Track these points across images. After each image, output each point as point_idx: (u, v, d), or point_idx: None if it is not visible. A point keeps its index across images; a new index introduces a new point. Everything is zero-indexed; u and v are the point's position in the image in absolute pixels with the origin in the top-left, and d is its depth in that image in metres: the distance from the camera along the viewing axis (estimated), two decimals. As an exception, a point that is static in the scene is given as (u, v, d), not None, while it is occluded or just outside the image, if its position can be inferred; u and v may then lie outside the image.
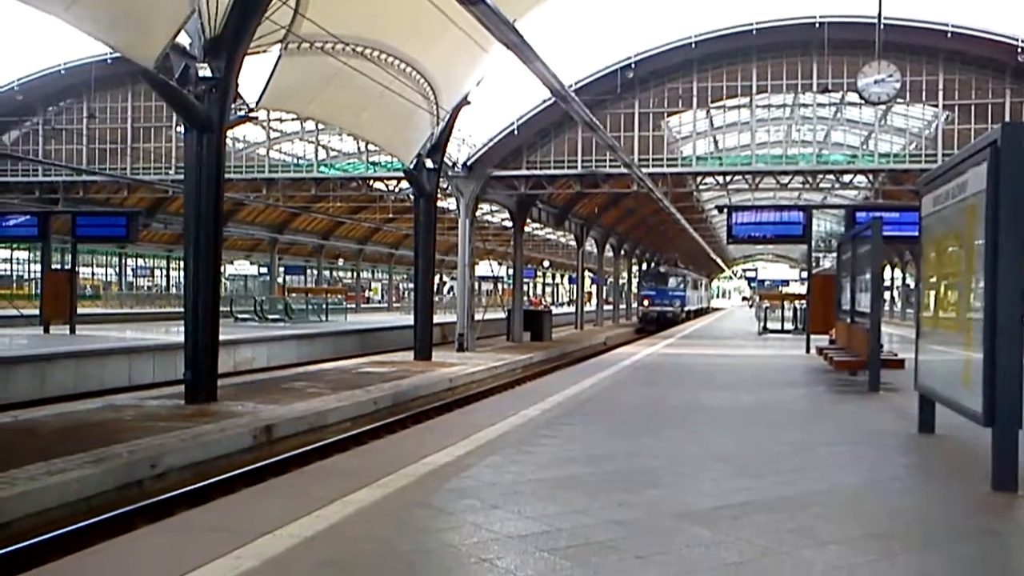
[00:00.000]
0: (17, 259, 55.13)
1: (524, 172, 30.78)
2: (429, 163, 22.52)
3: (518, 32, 12.52)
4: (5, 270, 54.98)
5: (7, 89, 37.46)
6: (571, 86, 21.66)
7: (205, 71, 13.21)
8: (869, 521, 5.46)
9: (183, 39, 13.46)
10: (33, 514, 7.56)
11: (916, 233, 9.37)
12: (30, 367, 16.90)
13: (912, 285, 54.12)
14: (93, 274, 58.49)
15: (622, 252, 55.98)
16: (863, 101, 23.38)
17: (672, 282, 51.09)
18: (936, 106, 29.38)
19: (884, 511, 5.76)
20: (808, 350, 20.36)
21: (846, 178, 34.61)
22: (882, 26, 20.29)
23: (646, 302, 49.67)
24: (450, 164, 27.37)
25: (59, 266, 29.56)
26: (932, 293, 8.38)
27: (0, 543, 7.05)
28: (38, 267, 38.76)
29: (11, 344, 19.69)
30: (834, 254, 22.54)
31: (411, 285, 45.74)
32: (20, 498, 7.48)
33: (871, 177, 34.04)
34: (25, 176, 39.01)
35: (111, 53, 30.01)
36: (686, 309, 51.72)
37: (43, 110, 38.68)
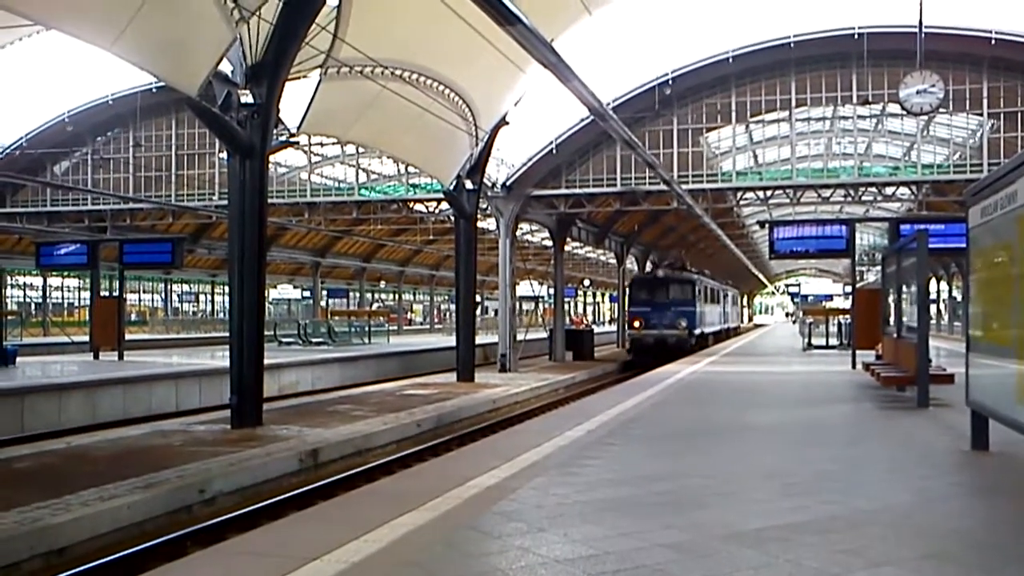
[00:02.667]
0: (68, 287, 56.17)
1: (563, 191, 30.80)
2: (469, 184, 22.63)
3: (556, 51, 12.57)
4: (57, 298, 56.04)
5: (58, 121, 38.33)
6: (609, 104, 21.67)
7: (247, 97, 13.42)
8: (924, 542, 5.35)
9: (225, 67, 13.70)
10: (87, 539, 7.67)
11: (963, 245, 9.22)
12: (82, 393, 17.19)
13: (959, 298, 53.21)
14: (140, 300, 59.42)
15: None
16: (905, 112, 23.09)
17: (675, 291, 33.95)
18: (981, 115, 28.96)
19: (939, 531, 5.64)
20: (854, 366, 20.07)
21: (889, 190, 34.14)
22: (923, 35, 20.07)
23: (636, 323, 33.04)
24: (489, 184, 27.47)
25: (107, 293, 30.07)
26: (982, 305, 8.23)
27: (56, 569, 7.16)
28: (87, 294, 39.44)
29: (63, 371, 20.05)
30: (878, 268, 22.23)
31: (452, 306, 45.80)
32: (74, 524, 7.59)
33: (914, 189, 33.55)
34: (75, 205, 39.82)
35: (156, 82, 30.63)
36: (700, 331, 34.53)
37: (92, 140, 39.51)
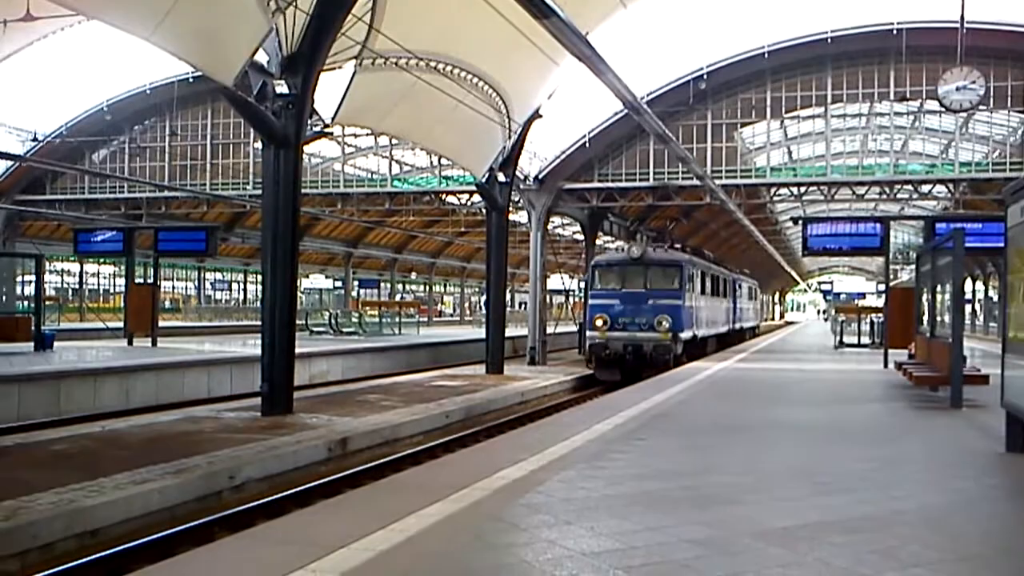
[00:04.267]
0: (104, 273, 56.91)
1: (596, 185, 30.72)
2: (501, 176, 22.63)
3: (590, 45, 12.53)
4: (93, 284, 56.79)
5: (97, 110, 38.83)
6: (643, 98, 21.56)
7: (282, 88, 13.51)
8: (957, 544, 5.28)
9: (261, 57, 13.79)
10: (119, 522, 7.78)
11: (1000, 244, 9.09)
12: (116, 379, 17.42)
13: (995, 298, 52.47)
14: (174, 288, 60.07)
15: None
16: (943, 109, 22.77)
17: (655, 278, 23.81)
18: (1023, 112, 28.50)
19: (973, 534, 5.57)
20: (886, 365, 19.87)
21: (925, 188, 33.72)
22: (965, 30, 19.78)
23: (599, 322, 23.12)
24: (522, 177, 27.45)
25: (142, 280, 30.45)
26: (1020, 306, 8.11)
27: (90, 550, 7.28)
28: (122, 281, 39.96)
29: (98, 356, 20.33)
30: (912, 266, 21.97)
31: (483, 298, 45.79)
32: (108, 506, 7.71)
33: (951, 187, 33.13)
34: (112, 193, 40.33)
35: (192, 72, 30.92)
36: (692, 334, 24.63)
37: (129, 129, 39.98)
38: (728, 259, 45.43)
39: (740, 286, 37.59)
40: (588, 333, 23.29)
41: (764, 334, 48.64)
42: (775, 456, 8.42)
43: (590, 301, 23.76)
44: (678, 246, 27.74)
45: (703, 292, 26.32)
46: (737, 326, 36.32)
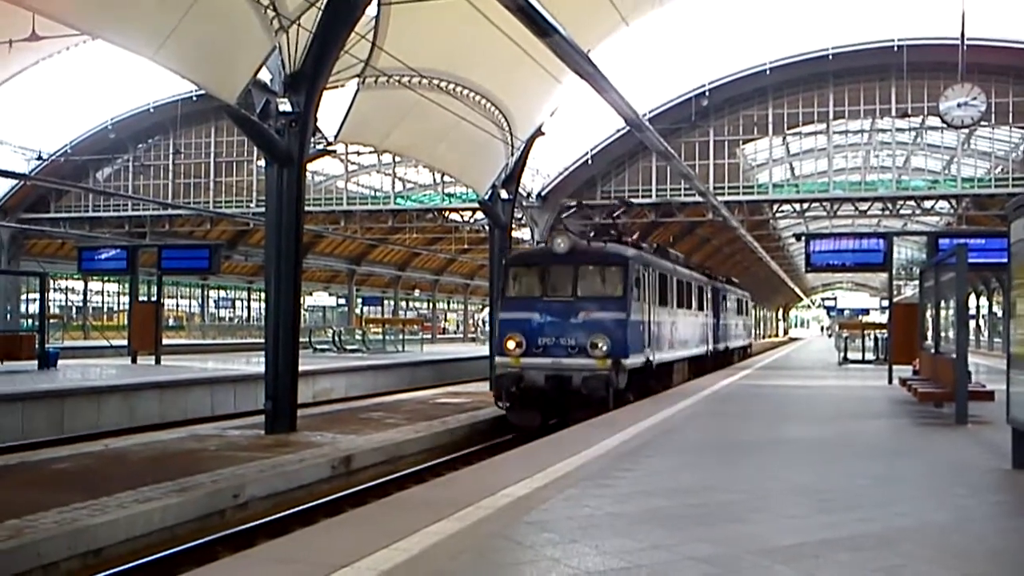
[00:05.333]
0: (108, 291, 57.01)
1: (599, 201, 30.78)
2: (504, 194, 22.68)
3: (592, 62, 12.59)
4: (97, 302, 56.88)
5: (101, 128, 39.02)
6: (645, 115, 21.67)
7: (285, 106, 13.56)
8: (963, 563, 5.24)
9: (264, 75, 13.86)
10: (122, 541, 7.76)
11: (1004, 260, 9.09)
12: (119, 397, 17.42)
13: (999, 314, 52.39)
14: (177, 305, 60.16)
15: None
16: (945, 125, 22.82)
17: (590, 281, 16.62)
18: None
19: (979, 552, 5.54)
20: (890, 381, 19.81)
21: (927, 204, 33.81)
22: (965, 47, 19.85)
23: (511, 344, 15.96)
24: (524, 194, 27.53)
25: (145, 298, 30.49)
26: None
27: (92, 569, 7.26)
28: (126, 299, 40.06)
29: (102, 374, 20.33)
30: (916, 282, 21.95)
31: (486, 315, 45.74)
32: (111, 525, 7.69)
33: (954, 203, 33.18)
34: (116, 211, 40.46)
35: (196, 90, 31.07)
36: (647, 358, 17.21)
37: (133, 147, 40.16)
38: (731, 275, 41.27)
39: (724, 297, 29.93)
40: (497, 359, 16.12)
41: (765, 351, 47.24)
42: (780, 473, 8.38)
43: (500, 314, 16.77)
44: (628, 240, 19.10)
45: (664, 303, 18.97)
46: (721, 346, 28.84)
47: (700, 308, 24.32)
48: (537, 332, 15.82)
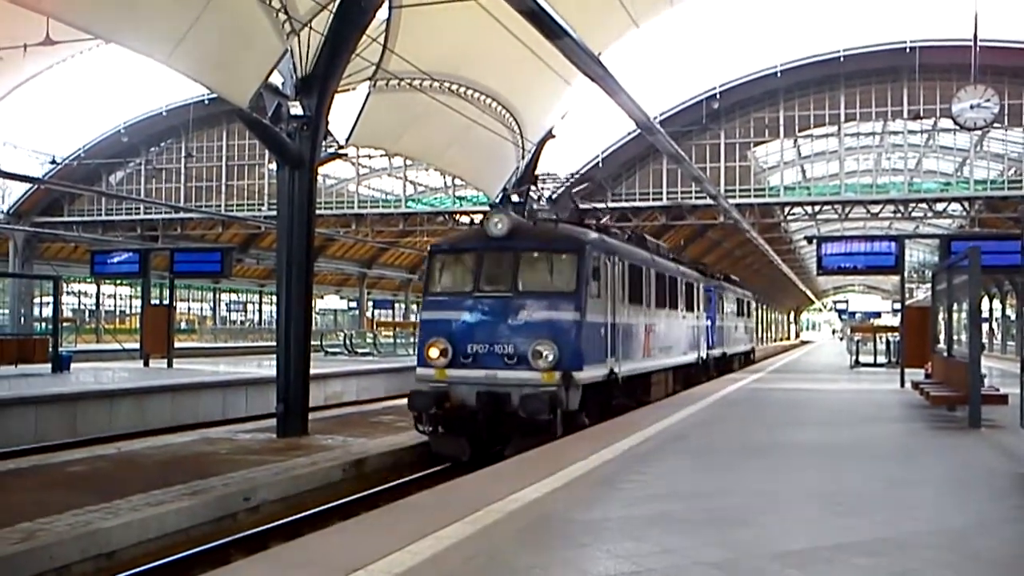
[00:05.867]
0: (120, 295, 57.27)
1: (609, 204, 30.77)
2: (515, 197, 22.69)
3: (603, 65, 12.58)
4: (109, 305, 57.14)
5: (114, 132, 39.21)
6: (656, 117, 21.66)
7: (297, 109, 13.60)
8: (979, 567, 5.22)
9: (276, 79, 13.91)
10: (135, 544, 7.78)
11: (1017, 262, 9.05)
12: (131, 400, 17.48)
13: (1013, 317, 52.12)
14: (189, 309, 60.38)
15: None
16: (958, 127, 22.70)
17: (535, 273, 13.12)
18: (1037, 130, 28.45)
19: (995, 556, 5.49)
20: (903, 384, 19.73)
21: (940, 206, 33.66)
22: (978, 48, 19.76)
23: (434, 352, 12.63)
24: (535, 197, 27.54)
25: (157, 301, 30.60)
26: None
27: (105, 572, 7.28)
28: (139, 302, 40.20)
29: (114, 378, 20.41)
30: (928, 285, 21.88)
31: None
32: (124, 528, 7.71)
33: (966, 205, 33.03)
34: (128, 214, 40.63)
35: (208, 94, 31.21)
36: (610, 371, 13.64)
37: (145, 151, 40.34)
38: (743, 278, 38.51)
39: (722, 296, 26.96)
40: (418, 371, 13.00)
41: (776, 355, 46.44)
42: (792, 477, 8.35)
43: (423, 314, 13.75)
44: (592, 222, 16.39)
45: (638, 301, 15.70)
46: (717, 352, 25.58)
47: (689, 308, 21.00)
48: (466, 337, 12.50)
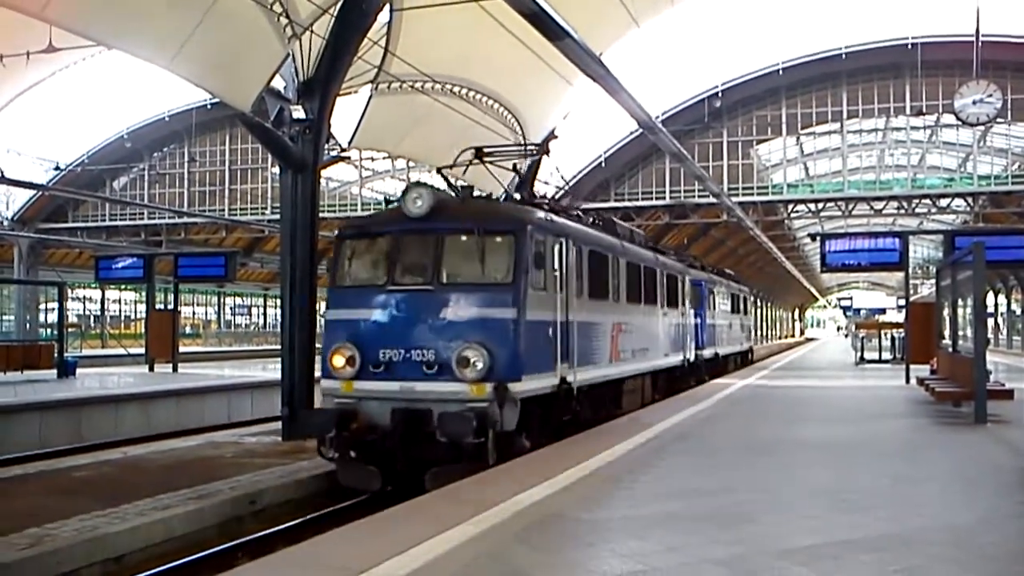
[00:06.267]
0: (125, 300, 57.34)
1: (612, 204, 30.81)
2: (517, 197, 22.64)
3: (604, 65, 12.59)
4: (114, 311, 57.23)
5: (117, 138, 39.29)
6: (658, 117, 21.66)
7: (299, 113, 13.62)
8: (987, 564, 5.20)
9: (278, 82, 13.93)
10: (142, 548, 7.80)
11: (1022, 257, 9.04)
12: (137, 405, 17.51)
13: (1018, 312, 52.03)
14: (194, 313, 60.43)
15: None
16: (960, 123, 22.66)
17: (465, 256, 10.70)
18: (1040, 124, 28.40)
19: (1003, 552, 5.48)
20: (908, 380, 19.70)
21: (943, 202, 33.58)
22: (980, 43, 19.73)
23: (338, 359, 10.37)
24: (538, 198, 27.51)
25: (162, 306, 30.64)
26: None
27: (111, 576, 7.32)
28: (143, 307, 40.28)
29: (120, 383, 20.45)
30: (932, 281, 21.86)
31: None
32: (130, 532, 7.74)
33: (970, 200, 32.95)
34: (132, 219, 40.69)
35: (210, 99, 31.25)
36: (560, 380, 11.15)
37: (149, 156, 40.40)
38: (747, 277, 38.14)
39: (712, 291, 24.55)
40: (323, 383, 10.70)
41: (781, 352, 45.91)
42: (798, 474, 8.35)
43: (327, 313, 11.28)
44: (546, 199, 15.06)
45: (602, 295, 13.39)
46: (708, 352, 23.20)
47: (673, 304, 18.69)
48: (378, 341, 10.24)
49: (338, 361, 10.28)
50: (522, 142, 21.40)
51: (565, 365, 11.24)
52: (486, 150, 13.32)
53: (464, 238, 10.58)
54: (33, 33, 20.07)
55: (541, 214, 11.36)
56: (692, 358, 20.79)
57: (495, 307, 10.09)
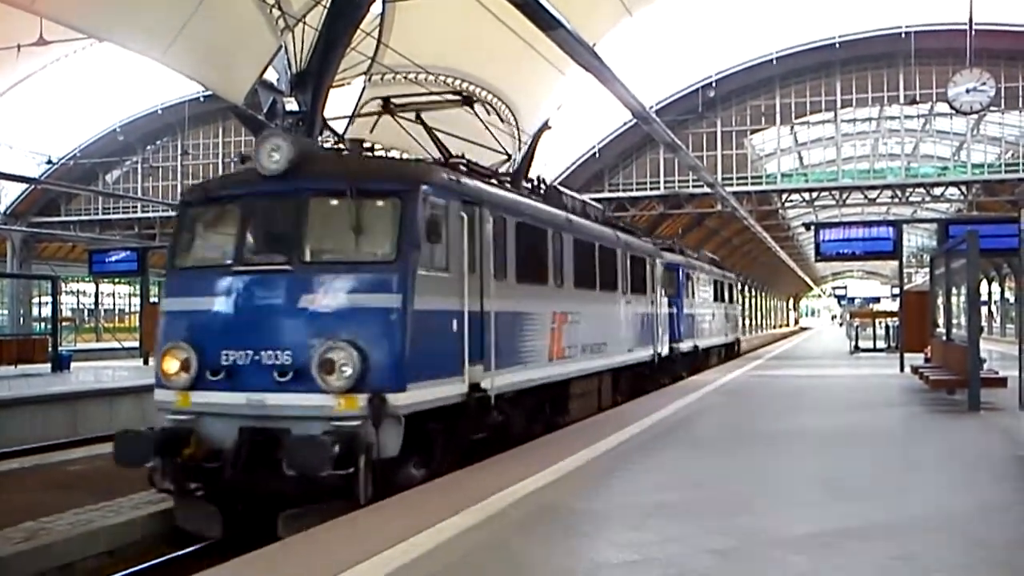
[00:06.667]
0: (119, 293, 57.26)
1: (607, 195, 30.79)
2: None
3: (597, 55, 12.58)
4: (109, 304, 57.12)
5: (110, 131, 39.18)
6: (652, 107, 21.65)
7: (292, 105, 13.62)
8: (982, 550, 5.22)
9: (271, 75, 13.91)
10: (137, 541, 7.79)
11: (1015, 245, 9.06)
12: (131, 398, 17.49)
13: (1011, 300, 52.20)
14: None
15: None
16: (954, 111, 22.67)
17: (334, 226, 8.13)
18: (1033, 113, 28.44)
19: (998, 539, 5.49)
20: (903, 369, 19.75)
21: (937, 191, 33.65)
22: (973, 32, 19.73)
23: (171, 362, 7.86)
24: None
25: (157, 299, 30.59)
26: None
27: (109, 569, 7.29)
28: (137, 300, 40.19)
29: (114, 376, 20.41)
30: (926, 269, 21.89)
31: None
32: (126, 526, 7.72)
33: (964, 189, 33.01)
34: (126, 213, 40.59)
35: (203, 91, 31.12)
36: (472, 388, 8.63)
37: (141, 149, 40.29)
38: (741, 267, 37.22)
39: (690, 277, 22.32)
40: (156, 394, 8.23)
41: (775, 342, 45.56)
42: (793, 463, 8.37)
43: (163, 303, 8.88)
44: (459, 162, 10.65)
45: (538, 277, 11.05)
46: (685, 345, 21.04)
47: (638, 290, 16.26)
48: (219, 339, 7.86)
49: (170, 366, 7.84)
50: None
51: (478, 367, 8.79)
52: (398, 100, 11.06)
53: (335, 202, 8.02)
54: (23, 26, 19.97)
55: (443, 173, 8.84)
56: (665, 352, 18.36)
57: (372, 292, 7.70)
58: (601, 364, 13.64)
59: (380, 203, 8.03)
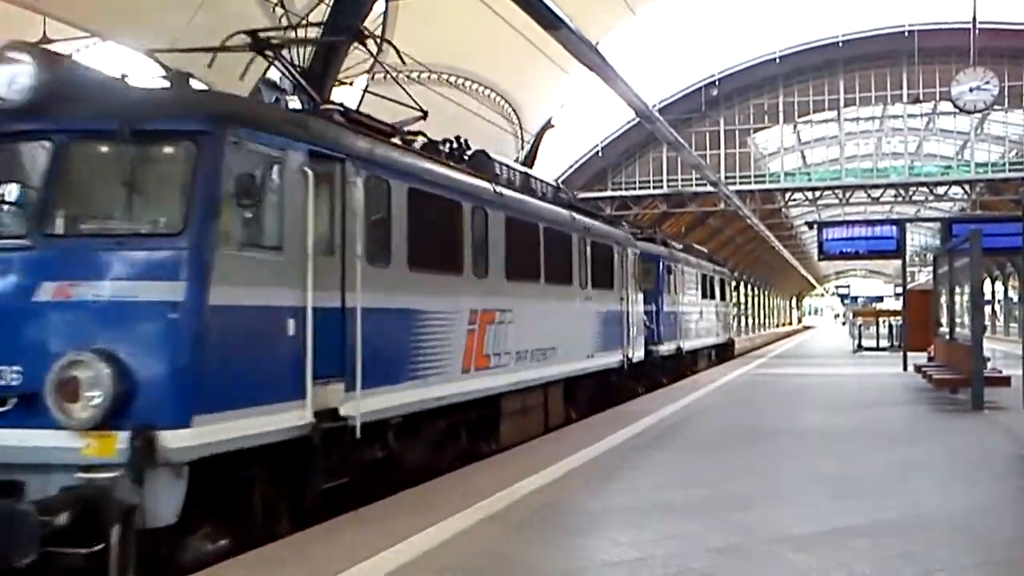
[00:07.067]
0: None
1: (609, 193, 30.79)
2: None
3: (600, 54, 12.57)
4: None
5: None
6: (655, 105, 21.65)
7: (295, 104, 13.58)
8: (985, 548, 5.21)
9: (273, 73, 13.89)
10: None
11: (1019, 244, 9.05)
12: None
13: (1015, 299, 52.12)
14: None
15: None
16: (958, 110, 22.65)
17: (89, 194, 5.73)
18: (1037, 111, 28.39)
19: (1001, 538, 5.49)
20: (905, 368, 19.74)
21: (940, 190, 33.59)
22: (977, 31, 19.70)
23: None
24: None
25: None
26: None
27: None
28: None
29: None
30: (930, 268, 21.88)
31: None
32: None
33: (967, 188, 32.96)
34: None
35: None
36: (343, 418, 6.46)
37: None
38: (744, 265, 36.26)
39: (672, 271, 20.17)
40: None
41: (778, 340, 45.32)
42: (796, 461, 8.36)
43: None
44: (333, 109, 8.25)
45: (444, 264, 8.62)
46: (667, 347, 19.15)
47: (602, 284, 13.81)
48: None
49: None
50: (519, 132, 21.35)
51: (336, 386, 6.49)
52: (263, 34, 8.78)
53: (102, 148, 5.71)
54: (26, 25, 19.98)
55: (273, 111, 7.23)
56: (638, 357, 15.81)
57: (144, 280, 5.31)
58: (548, 374, 11.26)
59: (167, 150, 5.71)
